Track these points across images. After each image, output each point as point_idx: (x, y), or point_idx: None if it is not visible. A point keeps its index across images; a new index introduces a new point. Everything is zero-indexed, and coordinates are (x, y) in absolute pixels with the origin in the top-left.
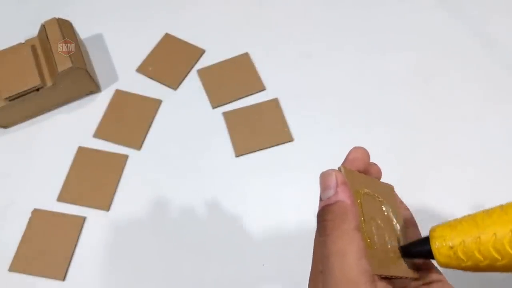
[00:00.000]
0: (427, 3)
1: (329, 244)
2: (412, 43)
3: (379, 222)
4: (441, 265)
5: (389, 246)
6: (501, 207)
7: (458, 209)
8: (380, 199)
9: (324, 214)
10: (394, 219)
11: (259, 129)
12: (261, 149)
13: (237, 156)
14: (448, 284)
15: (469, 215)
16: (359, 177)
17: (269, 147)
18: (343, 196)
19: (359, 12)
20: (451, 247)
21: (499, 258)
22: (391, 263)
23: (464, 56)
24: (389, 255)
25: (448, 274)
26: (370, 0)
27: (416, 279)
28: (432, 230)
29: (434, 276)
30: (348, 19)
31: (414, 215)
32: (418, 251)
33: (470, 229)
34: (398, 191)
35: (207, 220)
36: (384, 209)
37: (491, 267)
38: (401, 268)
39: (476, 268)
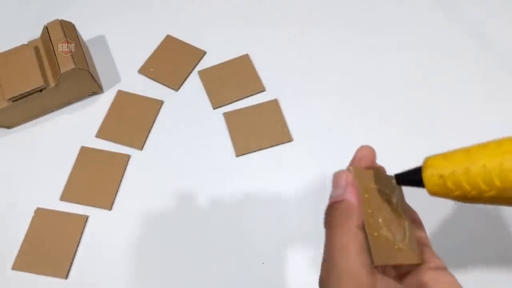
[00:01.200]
0: (426, 4)
1: (334, 239)
2: (411, 43)
3: (387, 214)
4: (431, 193)
5: (395, 237)
6: (497, 140)
7: (457, 207)
8: (388, 192)
9: (331, 211)
10: (401, 210)
11: (259, 130)
12: (261, 149)
13: (237, 156)
14: (448, 274)
15: (465, 147)
16: (368, 174)
17: (269, 147)
18: (350, 195)
19: (359, 13)
20: (441, 176)
21: (487, 189)
22: (396, 253)
23: (463, 56)
24: (394, 246)
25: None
26: (370, 1)
27: (420, 264)
28: (426, 159)
29: (433, 263)
30: (348, 19)
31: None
32: (410, 179)
33: (462, 160)
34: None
35: (207, 219)
36: (394, 201)
37: (479, 198)
38: (406, 256)
39: (464, 198)
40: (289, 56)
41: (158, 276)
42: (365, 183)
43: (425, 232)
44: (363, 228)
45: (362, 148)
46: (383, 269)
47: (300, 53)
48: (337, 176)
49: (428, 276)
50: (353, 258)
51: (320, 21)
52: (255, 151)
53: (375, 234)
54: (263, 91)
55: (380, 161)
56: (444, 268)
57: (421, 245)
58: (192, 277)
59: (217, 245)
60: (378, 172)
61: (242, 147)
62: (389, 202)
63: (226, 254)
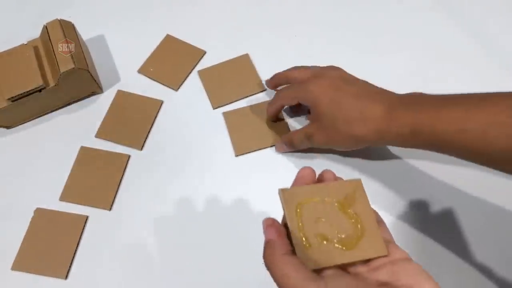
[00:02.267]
0: (426, 4)
1: (274, 273)
2: (411, 43)
3: (326, 220)
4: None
5: (340, 236)
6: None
7: (457, 207)
8: (329, 199)
9: (263, 253)
10: (352, 212)
11: (259, 129)
12: (261, 149)
13: (236, 155)
14: (413, 262)
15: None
16: (303, 190)
17: (269, 147)
18: (269, 234)
19: (359, 13)
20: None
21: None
22: (337, 254)
23: (463, 56)
24: (335, 247)
25: (413, 253)
26: (370, 1)
27: (385, 256)
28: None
29: (397, 254)
30: (348, 19)
31: (414, 215)
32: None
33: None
34: (397, 191)
35: (207, 219)
36: (336, 206)
37: None
38: (352, 255)
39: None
40: (289, 56)
41: (158, 276)
42: (299, 199)
43: (387, 229)
44: (292, 251)
45: (302, 169)
46: (345, 269)
47: (300, 53)
48: (263, 223)
49: (395, 267)
50: (294, 278)
51: (320, 21)
52: (255, 150)
53: (306, 244)
54: (263, 91)
55: (379, 161)
56: (409, 259)
57: (385, 241)
58: (192, 277)
59: (217, 245)
60: (321, 183)
61: (242, 147)
62: (331, 208)
63: (226, 254)
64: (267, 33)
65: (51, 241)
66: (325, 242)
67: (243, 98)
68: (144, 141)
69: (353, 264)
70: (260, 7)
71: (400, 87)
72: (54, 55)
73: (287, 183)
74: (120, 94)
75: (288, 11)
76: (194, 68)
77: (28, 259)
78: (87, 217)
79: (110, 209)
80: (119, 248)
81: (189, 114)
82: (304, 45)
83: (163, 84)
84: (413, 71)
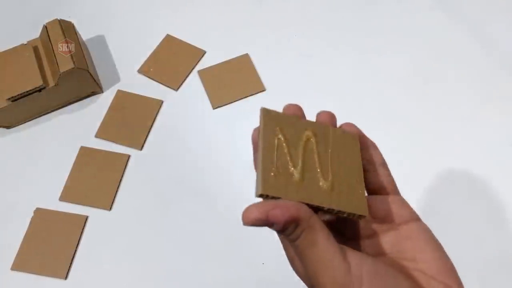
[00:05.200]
0: (426, 4)
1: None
2: (411, 43)
3: (308, 155)
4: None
5: (318, 177)
6: None
7: (457, 207)
8: (317, 138)
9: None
10: (341, 160)
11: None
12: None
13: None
14: (420, 226)
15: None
16: (290, 118)
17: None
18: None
19: (359, 13)
20: None
21: None
22: (308, 192)
23: (463, 56)
24: (308, 184)
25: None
26: (370, 1)
27: (359, 217)
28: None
29: (403, 215)
30: (348, 20)
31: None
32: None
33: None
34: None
35: (207, 219)
36: (323, 147)
37: None
38: (325, 200)
39: None
40: (290, 55)
41: (158, 276)
42: (284, 123)
43: (387, 173)
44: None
45: (288, 105)
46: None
47: (300, 53)
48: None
49: (400, 234)
50: (322, 251)
51: (320, 21)
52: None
53: (274, 169)
54: (263, 91)
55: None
56: (416, 219)
57: (384, 187)
58: (192, 277)
59: (217, 245)
60: (306, 120)
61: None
62: (322, 149)
63: (226, 254)
64: (267, 33)
65: (51, 241)
66: (297, 174)
67: (243, 98)
68: (144, 141)
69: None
70: (260, 7)
71: (400, 87)
72: (54, 55)
73: None
74: (120, 94)
75: (288, 11)
76: (194, 68)
77: (28, 259)
78: (87, 217)
79: (110, 209)
80: (119, 248)
81: (189, 114)
82: (304, 45)
83: (163, 84)
84: (413, 71)
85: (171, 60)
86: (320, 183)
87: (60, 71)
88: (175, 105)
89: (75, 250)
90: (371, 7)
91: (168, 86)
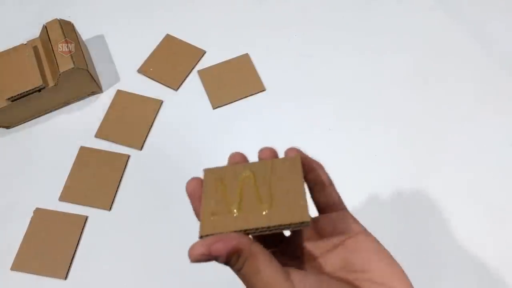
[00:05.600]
0: (426, 4)
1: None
2: (411, 43)
3: (242, 192)
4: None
5: (257, 206)
6: None
7: (456, 207)
8: (249, 174)
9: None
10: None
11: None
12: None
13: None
14: (367, 237)
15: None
16: (228, 168)
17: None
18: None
19: (359, 13)
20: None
21: None
22: (246, 219)
23: (463, 56)
24: (247, 214)
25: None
26: (370, 1)
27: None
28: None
29: (356, 228)
30: (348, 20)
31: (413, 214)
32: None
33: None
34: (397, 190)
35: None
36: (257, 179)
37: None
38: (265, 220)
39: None
40: (290, 55)
41: (158, 275)
42: (222, 175)
43: (334, 190)
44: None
45: (232, 154)
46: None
47: (300, 53)
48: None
49: (348, 247)
50: (266, 277)
51: (320, 21)
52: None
53: (213, 212)
54: (263, 90)
55: (379, 160)
56: (363, 232)
57: (332, 205)
58: (192, 277)
59: None
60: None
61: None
62: (255, 182)
63: None
64: (267, 33)
65: (51, 241)
66: (234, 209)
67: (243, 98)
68: (144, 141)
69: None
70: (260, 7)
71: (400, 87)
72: (54, 55)
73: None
74: (120, 94)
75: (288, 11)
76: (194, 68)
77: (27, 259)
78: (87, 217)
79: (110, 209)
80: (119, 248)
81: (189, 114)
82: (304, 45)
83: (162, 84)
84: (413, 71)
85: (171, 60)
86: (259, 208)
87: (60, 71)
88: (175, 105)
89: (75, 250)
90: (371, 7)
91: (168, 86)
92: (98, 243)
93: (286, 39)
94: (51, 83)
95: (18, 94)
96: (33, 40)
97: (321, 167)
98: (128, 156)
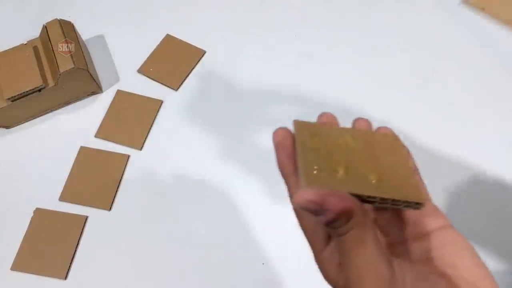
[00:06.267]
0: (426, 3)
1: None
2: (411, 43)
3: (350, 157)
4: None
5: (367, 173)
6: None
7: (457, 207)
8: (355, 142)
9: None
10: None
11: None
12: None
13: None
14: (453, 231)
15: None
16: (323, 126)
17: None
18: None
19: (359, 12)
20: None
21: None
22: (363, 184)
23: (463, 56)
24: (359, 177)
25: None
26: (370, 1)
27: (419, 209)
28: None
29: (437, 222)
30: (348, 19)
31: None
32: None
33: None
34: None
35: (207, 219)
36: (363, 148)
37: None
38: (384, 191)
39: None
40: (289, 56)
41: (158, 276)
42: (317, 131)
43: (420, 179)
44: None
45: (321, 115)
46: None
47: (300, 53)
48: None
49: (435, 239)
50: (370, 252)
51: (320, 21)
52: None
53: (316, 169)
54: (205, 53)
55: None
56: (450, 226)
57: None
58: (192, 277)
59: (217, 245)
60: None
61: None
62: (363, 150)
63: (226, 254)
64: (267, 33)
65: (51, 241)
66: (340, 170)
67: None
68: (144, 141)
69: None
70: (260, 7)
71: (401, 87)
72: (54, 55)
73: None
74: (120, 94)
75: (288, 11)
76: (194, 68)
77: (27, 259)
78: (87, 217)
79: (110, 209)
80: (119, 248)
81: (189, 114)
82: (304, 45)
83: (162, 84)
84: (413, 70)
85: (171, 60)
86: (367, 176)
87: (60, 71)
88: (175, 105)
89: (75, 250)
90: (371, 7)
91: (168, 86)
92: (98, 243)
93: (286, 39)
94: (51, 83)
95: (18, 94)
96: (33, 40)
97: (409, 153)
98: (128, 156)
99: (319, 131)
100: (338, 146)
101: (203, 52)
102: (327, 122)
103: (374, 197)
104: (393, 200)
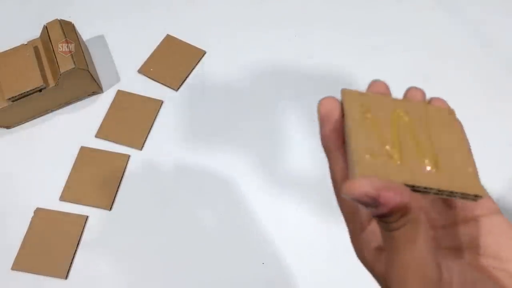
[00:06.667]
0: (426, 4)
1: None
2: (411, 43)
3: (402, 134)
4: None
5: (421, 156)
6: None
7: None
8: (408, 116)
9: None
10: (441, 139)
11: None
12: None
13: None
14: (501, 218)
15: None
16: (374, 96)
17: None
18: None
19: (359, 13)
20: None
21: None
22: (419, 173)
23: (463, 55)
24: (415, 164)
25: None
26: (370, 1)
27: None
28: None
29: (484, 207)
30: (348, 19)
31: None
32: None
33: None
34: None
35: (207, 219)
36: (417, 123)
37: None
38: (440, 182)
39: None
40: (289, 56)
41: (158, 276)
42: (368, 102)
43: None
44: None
45: (373, 82)
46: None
47: (300, 53)
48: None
49: (481, 225)
50: (420, 252)
51: (320, 21)
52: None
53: (369, 153)
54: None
55: None
56: (498, 212)
57: None
58: (192, 277)
59: (217, 245)
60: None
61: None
62: (417, 126)
63: (226, 254)
64: (267, 33)
65: (51, 241)
66: (394, 154)
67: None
68: (144, 141)
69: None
70: (260, 7)
71: (400, 87)
72: (54, 55)
73: (289, 182)
74: (120, 94)
75: (288, 11)
76: (194, 68)
77: (28, 259)
78: (87, 217)
79: (111, 209)
80: (119, 248)
81: (189, 114)
82: (304, 45)
83: (163, 84)
84: (413, 70)
85: (171, 60)
86: (423, 163)
87: (60, 71)
88: (175, 105)
89: (76, 250)
90: (371, 6)
91: (168, 86)
92: (99, 242)
93: (286, 39)
94: (51, 83)
95: (19, 94)
96: (34, 40)
97: (464, 132)
98: (128, 156)
99: (370, 104)
100: (392, 124)
101: (203, 52)
102: (379, 93)
103: (431, 189)
104: (451, 191)
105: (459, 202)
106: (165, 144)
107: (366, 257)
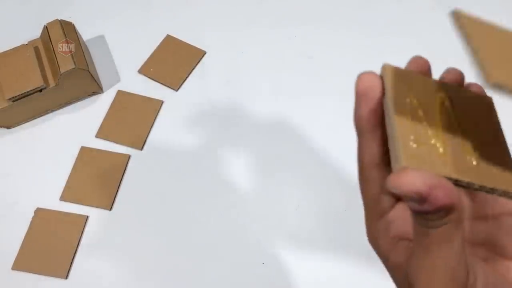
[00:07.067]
0: (426, 4)
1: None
2: (411, 43)
3: (445, 124)
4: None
5: (464, 148)
6: None
7: None
8: (442, 96)
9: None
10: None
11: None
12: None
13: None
14: None
15: None
16: (417, 77)
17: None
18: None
19: (359, 12)
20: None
21: None
22: (465, 168)
23: (463, 56)
24: (459, 157)
25: None
26: (370, 1)
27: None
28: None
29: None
30: (348, 19)
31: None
32: None
33: None
34: None
35: (207, 219)
36: (459, 113)
37: None
38: (482, 178)
39: None
40: (289, 56)
41: (158, 276)
42: (411, 83)
43: None
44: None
45: (414, 58)
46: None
47: (300, 53)
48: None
49: (500, 225)
50: (454, 254)
51: (320, 20)
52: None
53: (415, 141)
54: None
55: None
56: None
57: None
58: (192, 277)
59: (217, 245)
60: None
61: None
62: (458, 116)
63: (225, 253)
64: (267, 33)
65: (51, 241)
66: (439, 144)
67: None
68: (144, 141)
69: None
70: (260, 7)
71: None
72: (55, 55)
73: (288, 183)
74: (120, 94)
75: (288, 11)
76: (194, 68)
77: (28, 259)
78: (87, 217)
79: (110, 209)
80: (119, 248)
81: (189, 114)
82: (304, 45)
83: (163, 84)
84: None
85: (172, 61)
86: (466, 156)
87: (60, 71)
88: (175, 105)
89: (76, 250)
90: (372, 7)
91: (168, 86)
92: (99, 242)
93: (286, 39)
94: (52, 83)
95: (19, 94)
96: (34, 40)
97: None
98: (129, 156)
99: (413, 85)
100: (433, 108)
101: (203, 52)
102: (420, 71)
103: (473, 184)
104: (494, 188)
105: (482, 197)
106: (165, 144)
107: (382, 245)
